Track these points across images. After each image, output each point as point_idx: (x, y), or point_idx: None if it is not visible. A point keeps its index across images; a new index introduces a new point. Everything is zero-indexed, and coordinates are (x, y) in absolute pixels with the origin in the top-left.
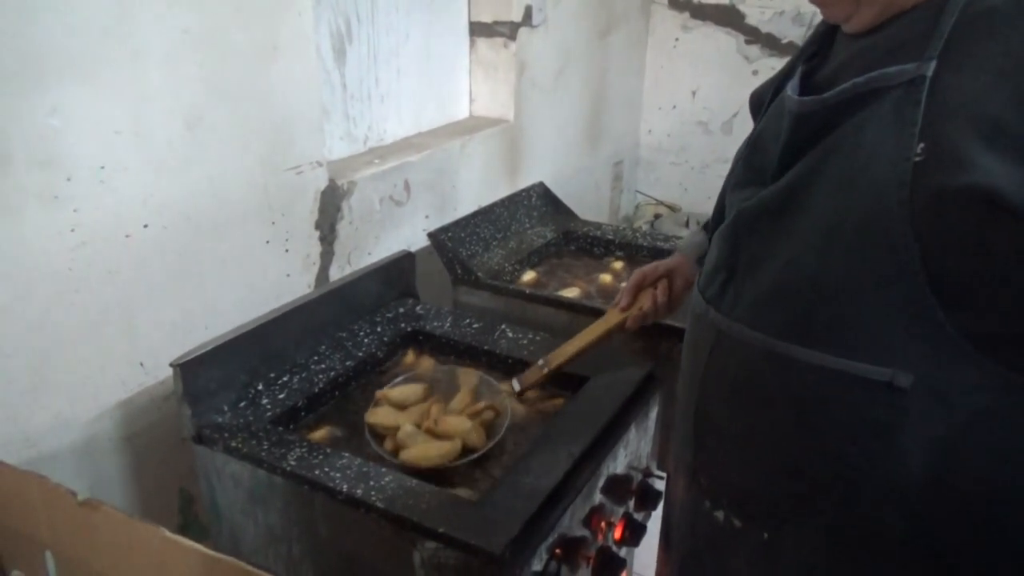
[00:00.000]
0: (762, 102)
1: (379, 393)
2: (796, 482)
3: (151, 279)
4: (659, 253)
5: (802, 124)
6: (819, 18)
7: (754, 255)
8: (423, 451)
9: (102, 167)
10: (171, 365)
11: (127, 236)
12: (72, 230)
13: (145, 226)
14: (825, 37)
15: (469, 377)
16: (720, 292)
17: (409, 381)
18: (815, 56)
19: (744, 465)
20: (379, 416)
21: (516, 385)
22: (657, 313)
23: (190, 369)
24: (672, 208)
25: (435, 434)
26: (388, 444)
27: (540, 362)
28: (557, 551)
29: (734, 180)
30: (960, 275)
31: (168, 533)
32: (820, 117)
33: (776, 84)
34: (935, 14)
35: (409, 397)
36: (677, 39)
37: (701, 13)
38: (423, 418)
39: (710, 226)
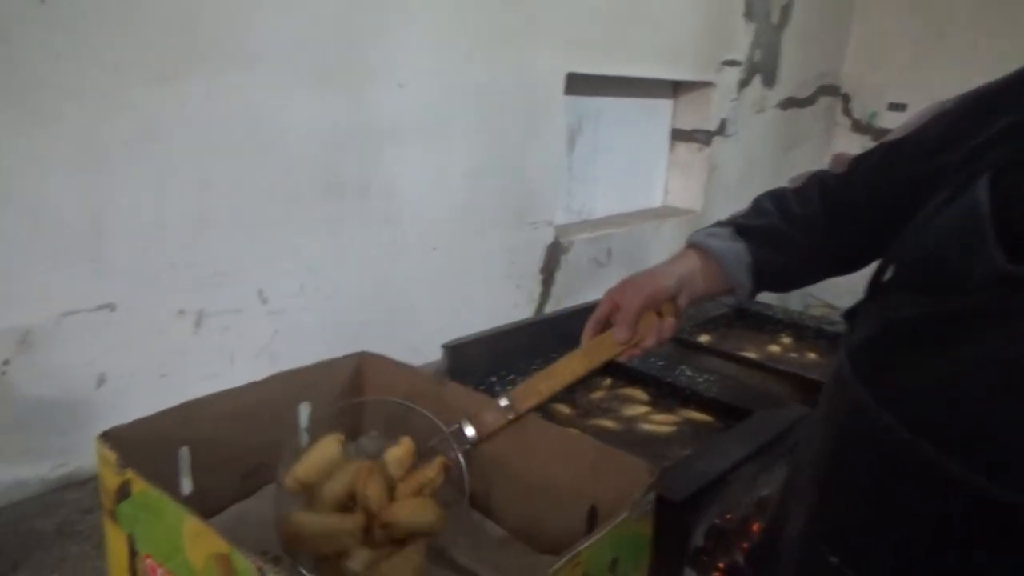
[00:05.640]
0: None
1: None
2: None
3: (431, 287)
4: (823, 335)
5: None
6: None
7: None
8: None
9: (418, 202)
10: (443, 346)
11: (423, 254)
12: (393, 243)
13: (434, 249)
14: None
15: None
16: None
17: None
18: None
19: (873, 526)
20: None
21: (472, 431)
22: (658, 347)
23: (456, 351)
24: (836, 309)
25: (391, 536)
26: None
27: (504, 403)
28: (716, 521)
29: (894, 271)
30: None
31: (488, 398)
32: None
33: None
34: None
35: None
36: None
37: (882, 137)
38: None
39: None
